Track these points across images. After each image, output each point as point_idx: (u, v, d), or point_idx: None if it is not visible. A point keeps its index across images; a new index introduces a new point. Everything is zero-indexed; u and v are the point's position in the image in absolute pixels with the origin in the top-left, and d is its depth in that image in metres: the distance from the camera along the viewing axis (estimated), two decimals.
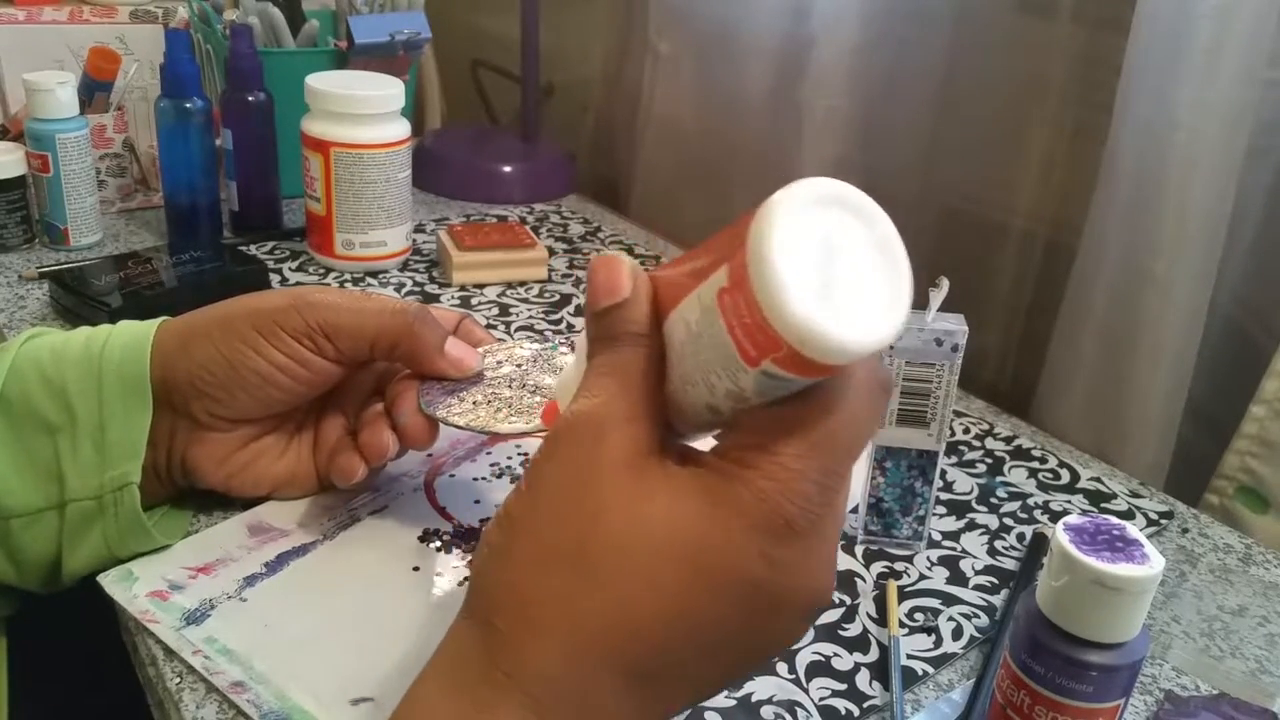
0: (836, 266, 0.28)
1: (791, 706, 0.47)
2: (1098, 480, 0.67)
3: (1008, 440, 0.71)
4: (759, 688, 0.47)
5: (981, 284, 0.87)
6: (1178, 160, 0.65)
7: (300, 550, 0.53)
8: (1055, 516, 0.62)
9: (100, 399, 0.49)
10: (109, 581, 0.50)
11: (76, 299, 0.75)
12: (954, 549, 0.59)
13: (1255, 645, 0.54)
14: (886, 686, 0.48)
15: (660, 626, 0.30)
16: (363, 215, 0.84)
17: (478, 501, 0.58)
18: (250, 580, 0.50)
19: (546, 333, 0.80)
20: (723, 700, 0.46)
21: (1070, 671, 0.39)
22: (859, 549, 0.58)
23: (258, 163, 0.91)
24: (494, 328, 0.79)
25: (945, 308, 0.52)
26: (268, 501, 0.55)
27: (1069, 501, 0.64)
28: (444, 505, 0.57)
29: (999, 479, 0.66)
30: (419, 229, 0.96)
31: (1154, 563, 0.38)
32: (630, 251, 0.96)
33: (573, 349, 0.55)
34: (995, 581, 0.56)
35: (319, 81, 0.83)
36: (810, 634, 0.51)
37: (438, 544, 0.54)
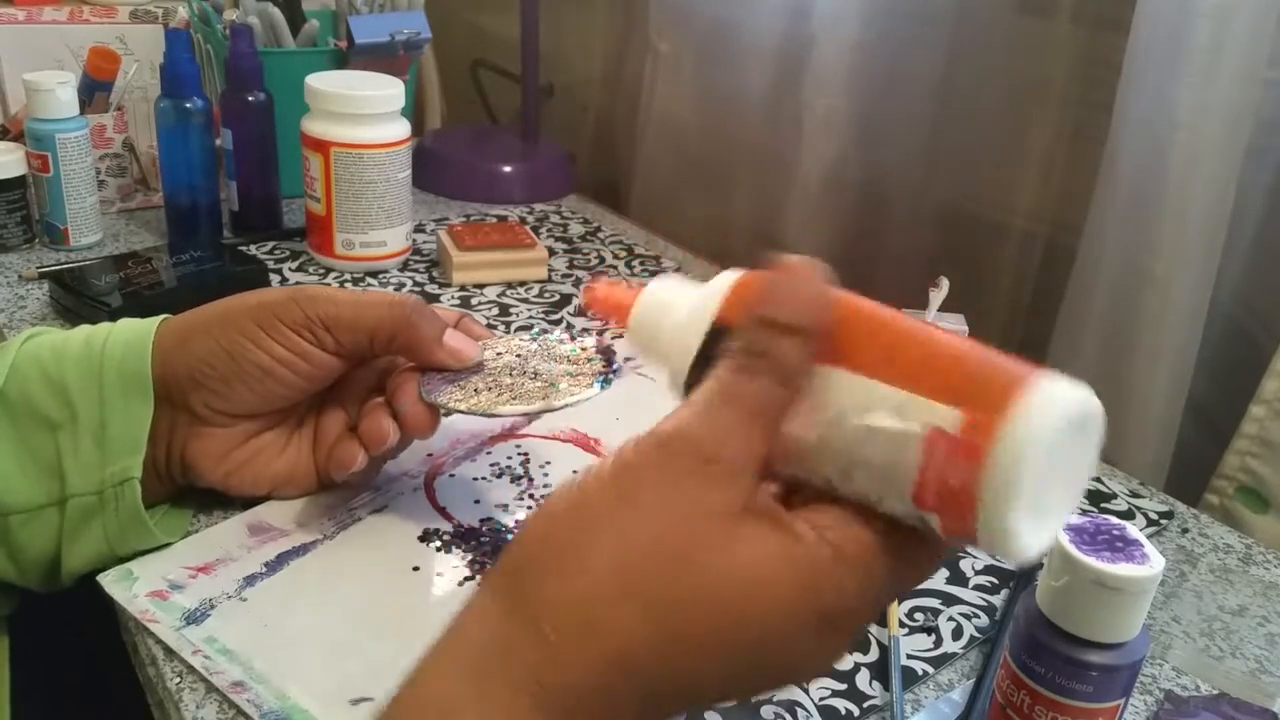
0: (1049, 481, 0.28)
1: (791, 706, 0.47)
2: (1098, 480, 0.67)
3: None
4: None
5: (981, 284, 0.87)
6: (1178, 160, 0.65)
7: (300, 550, 0.53)
8: None
9: (101, 395, 0.50)
10: (109, 581, 0.50)
11: (76, 299, 0.75)
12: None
13: (1255, 645, 0.54)
14: (886, 686, 0.48)
15: (716, 684, 0.30)
16: (363, 215, 0.84)
17: (478, 501, 0.58)
18: (250, 580, 0.50)
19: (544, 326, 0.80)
20: None
21: (1070, 671, 0.39)
22: None
23: (258, 163, 0.91)
24: (494, 327, 0.79)
25: (945, 307, 0.52)
26: (268, 501, 0.55)
27: None
28: (444, 505, 0.57)
29: None
30: (419, 229, 0.96)
31: (1154, 563, 0.38)
32: (630, 251, 0.96)
33: (572, 339, 0.55)
34: (995, 581, 0.56)
35: (319, 81, 0.83)
36: None
37: (438, 544, 0.54)
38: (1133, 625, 0.39)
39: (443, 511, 0.57)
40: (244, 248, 0.89)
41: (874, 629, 0.52)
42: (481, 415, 0.51)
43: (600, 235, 1.00)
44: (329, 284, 0.85)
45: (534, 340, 0.56)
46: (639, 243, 0.99)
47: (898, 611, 0.53)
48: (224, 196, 0.92)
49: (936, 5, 0.85)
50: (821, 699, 0.47)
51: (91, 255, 0.87)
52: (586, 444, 0.64)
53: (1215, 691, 0.50)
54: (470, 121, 1.30)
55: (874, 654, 0.50)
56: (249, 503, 0.55)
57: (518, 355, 0.55)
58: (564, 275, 0.90)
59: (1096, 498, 0.65)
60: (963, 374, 0.29)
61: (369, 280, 0.86)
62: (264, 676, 0.45)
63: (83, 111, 0.86)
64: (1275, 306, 0.71)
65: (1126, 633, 0.39)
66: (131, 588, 0.49)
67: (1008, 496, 0.27)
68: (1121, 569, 0.38)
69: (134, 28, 1.00)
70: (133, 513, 0.50)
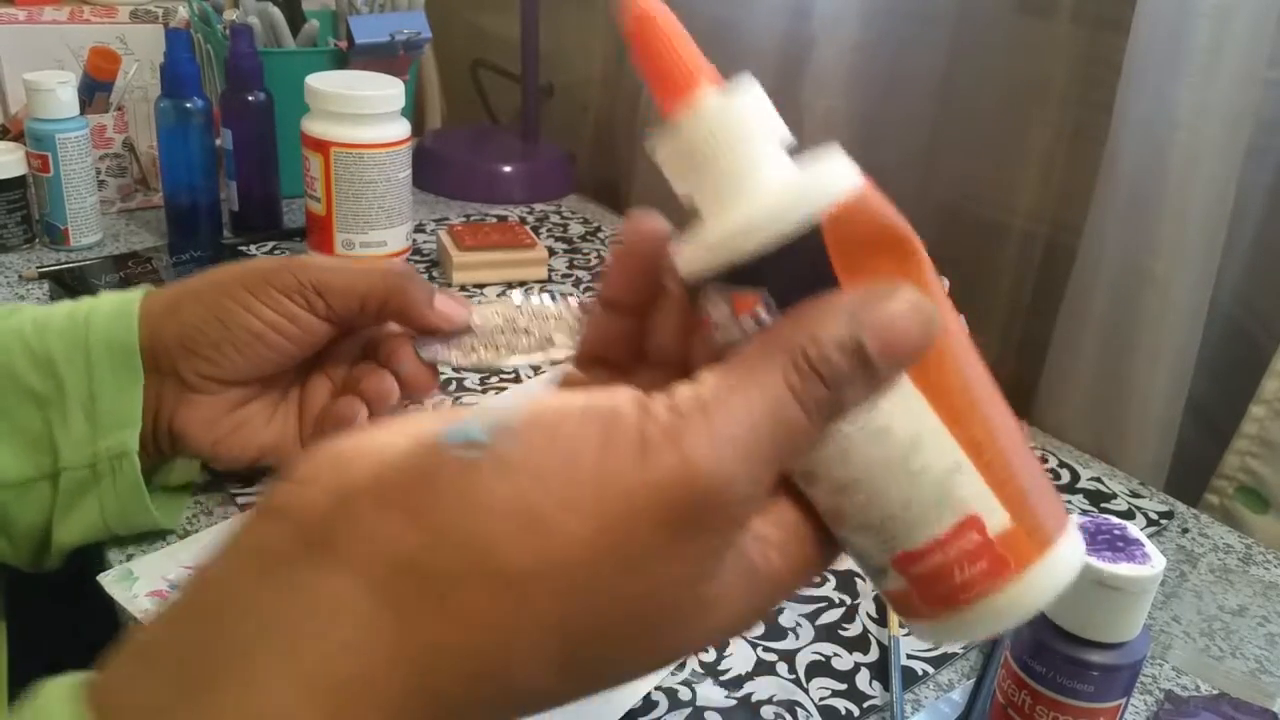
0: None
1: (791, 706, 0.47)
2: (1098, 480, 0.67)
3: None
4: (759, 688, 0.47)
5: (981, 284, 0.87)
6: (1178, 160, 0.65)
7: None
8: None
9: (89, 367, 0.50)
10: (109, 581, 0.50)
11: (77, 299, 0.75)
12: None
13: (1255, 645, 0.54)
14: (886, 686, 0.48)
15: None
16: (363, 215, 0.84)
17: None
18: None
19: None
20: (723, 700, 0.46)
21: (1071, 671, 0.39)
22: None
23: (258, 163, 0.91)
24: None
25: None
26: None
27: (1069, 501, 0.64)
28: None
29: None
30: (419, 229, 0.96)
31: (1154, 563, 0.38)
32: None
33: (553, 300, 0.56)
34: None
35: (319, 81, 0.83)
36: (811, 634, 0.51)
37: None
38: (1134, 625, 0.39)
39: None
40: (244, 248, 0.89)
41: (874, 629, 0.52)
42: (488, 370, 0.51)
43: (600, 235, 1.00)
44: None
45: (518, 306, 0.56)
46: None
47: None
48: (224, 196, 0.92)
49: (936, 5, 0.85)
50: (821, 699, 0.47)
51: (91, 255, 0.87)
52: None
53: (1215, 691, 0.50)
54: (470, 121, 1.30)
55: (874, 654, 0.50)
56: (249, 503, 0.55)
57: (505, 318, 0.55)
58: (564, 275, 0.90)
59: (1097, 498, 0.65)
60: (1030, 486, 0.27)
61: None
62: None
63: (83, 111, 0.86)
64: (1275, 306, 0.71)
65: (1127, 632, 0.39)
66: (131, 588, 0.49)
67: (996, 625, 0.27)
68: (1122, 569, 0.38)
69: (134, 28, 1.00)
70: (132, 487, 0.50)
